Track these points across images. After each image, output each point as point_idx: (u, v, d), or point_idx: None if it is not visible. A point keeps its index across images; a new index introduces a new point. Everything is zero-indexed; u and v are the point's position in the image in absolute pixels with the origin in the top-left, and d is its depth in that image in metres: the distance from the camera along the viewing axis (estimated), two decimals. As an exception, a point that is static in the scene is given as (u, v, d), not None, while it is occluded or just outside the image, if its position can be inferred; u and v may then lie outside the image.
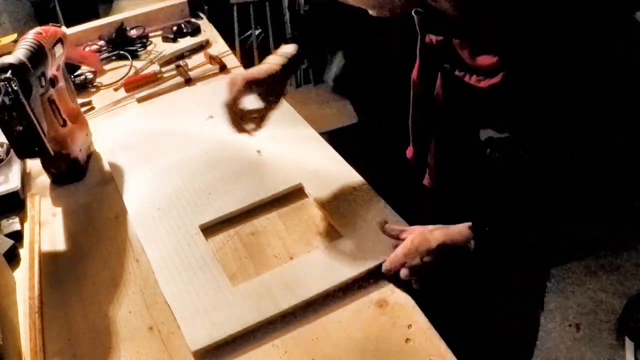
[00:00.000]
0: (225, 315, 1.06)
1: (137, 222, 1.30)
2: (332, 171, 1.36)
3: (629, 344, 2.35)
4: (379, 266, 1.13)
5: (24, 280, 1.20)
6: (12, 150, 1.46)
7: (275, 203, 1.32)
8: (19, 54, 1.22)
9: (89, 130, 1.55)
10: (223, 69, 1.90)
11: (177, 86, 1.83)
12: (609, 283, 2.62)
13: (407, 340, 1.01)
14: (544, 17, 0.96)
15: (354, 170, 1.35)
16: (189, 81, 1.85)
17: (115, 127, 1.65)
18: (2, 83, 1.15)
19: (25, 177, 1.49)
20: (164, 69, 1.89)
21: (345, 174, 1.35)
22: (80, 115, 1.53)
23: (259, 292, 1.10)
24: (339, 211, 1.26)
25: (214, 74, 1.88)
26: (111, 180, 1.45)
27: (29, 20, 2.52)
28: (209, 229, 1.27)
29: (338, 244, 1.19)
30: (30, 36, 1.29)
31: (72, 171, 1.46)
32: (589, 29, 0.95)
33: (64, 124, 1.41)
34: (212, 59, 1.91)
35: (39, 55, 1.27)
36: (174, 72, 1.88)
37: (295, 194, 1.34)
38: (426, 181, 1.29)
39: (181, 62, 1.91)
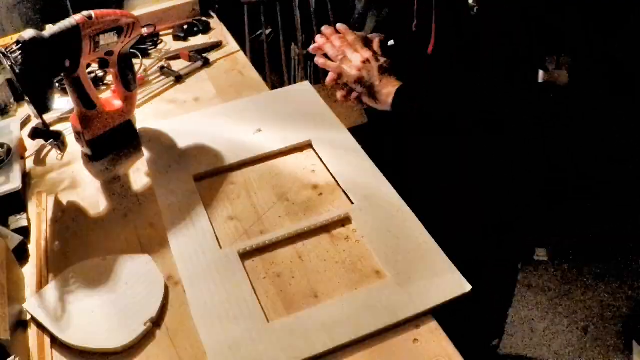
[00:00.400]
0: (257, 352, 1.01)
1: (173, 238, 1.25)
2: (382, 203, 1.27)
3: (637, 348, 2.34)
4: (422, 312, 1.06)
5: (32, 276, 1.20)
6: (12, 151, 1.49)
7: (319, 231, 1.25)
8: (41, 31, 1.29)
9: (124, 122, 1.57)
10: (206, 63, 1.93)
11: (170, 86, 1.84)
12: (617, 287, 2.62)
13: (415, 340, 1.01)
14: (544, 17, 0.96)
15: (407, 206, 1.26)
16: (179, 79, 1.86)
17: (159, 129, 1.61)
18: (15, 55, 1.24)
19: (27, 177, 1.50)
20: (149, 72, 1.90)
21: (396, 208, 1.26)
22: (123, 107, 1.54)
23: (294, 330, 1.04)
24: (385, 248, 1.17)
25: (199, 69, 1.91)
26: (121, 177, 1.46)
27: (40, 17, 2.53)
28: (247, 255, 1.21)
29: (381, 286, 1.10)
30: (76, 18, 1.33)
31: (91, 151, 1.51)
32: (588, 29, 0.95)
33: (91, 107, 1.45)
34: (190, 57, 1.94)
35: (68, 37, 1.31)
36: (158, 74, 1.89)
37: (340, 222, 1.26)
38: (429, 49, 1.34)
39: (164, 63, 1.93)
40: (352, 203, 1.28)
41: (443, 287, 1.08)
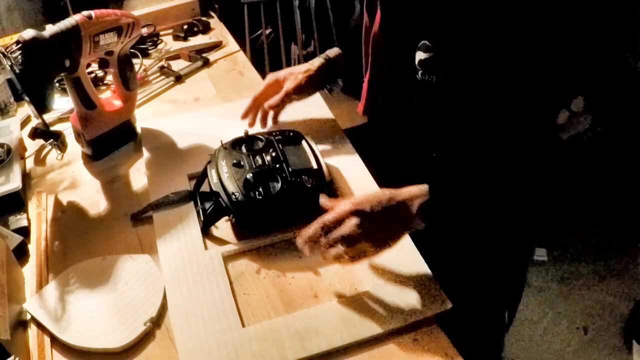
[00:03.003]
0: (228, 358, 1.00)
1: (160, 237, 1.25)
2: None
3: (637, 347, 2.34)
4: (404, 327, 1.04)
5: (32, 276, 1.20)
6: (12, 151, 1.49)
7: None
8: (41, 31, 1.29)
9: (123, 122, 1.57)
10: (206, 63, 1.94)
11: (170, 86, 1.85)
12: (617, 286, 2.61)
13: (415, 340, 1.01)
14: (543, 19, 0.97)
15: None
16: (179, 79, 1.87)
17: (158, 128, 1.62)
18: (15, 55, 1.24)
19: (27, 177, 1.50)
20: (149, 72, 1.91)
21: None
22: (123, 107, 1.55)
23: (268, 337, 1.03)
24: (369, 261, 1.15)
25: (199, 69, 1.92)
26: (121, 178, 1.46)
27: (40, 17, 2.53)
28: (231, 257, 1.21)
29: (362, 296, 1.09)
30: (76, 18, 1.33)
31: (91, 151, 1.52)
32: (587, 30, 0.95)
33: (91, 107, 1.45)
34: (190, 57, 1.95)
35: (67, 37, 1.31)
36: (158, 74, 1.90)
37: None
38: (359, 108, 1.36)
39: (164, 63, 1.93)
40: None
41: (422, 303, 1.06)
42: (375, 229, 1.04)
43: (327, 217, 1.05)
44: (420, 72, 1.14)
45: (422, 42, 1.12)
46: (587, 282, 2.65)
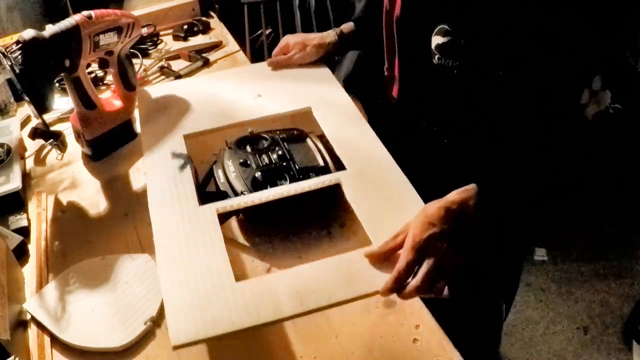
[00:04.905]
0: (219, 313, 0.94)
1: (151, 190, 1.21)
2: (376, 168, 1.21)
3: (637, 348, 2.34)
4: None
5: (32, 276, 1.20)
6: (12, 151, 1.49)
7: (306, 197, 1.19)
8: (40, 31, 1.29)
9: (123, 122, 1.57)
10: (206, 63, 1.94)
11: None
12: (618, 286, 2.61)
13: (415, 340, 1.01)
14: (543, 19, 0.97)
15: (400, 170, 1.20)
16: (179, 78, 1.87)
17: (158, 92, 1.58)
18: (15, 55, 1.25)
19: (27, 177, 1.50)
20: (149, 72, 1.91)
21: (388, 172, 1.20)
22: (123, 107, 1.55)
23: (263, 293, 0.96)
24: (374, 216, 1.10)
25: (199, 69, 1.93)
26: (121, 178, 1.46)
27: (40, 17, 2.53)
28: (226, 214, 1.17)
29: (363, 252, 1.02)
30: (76, 18, 1.34)
31: (91, 151, 1.52)
32: (587, 30, 0.96)
33: (91, 107, 1.45)
34: (190, 57, 1.96)
35: (67, 37, 1.32)
36: (158, 74, 1.90)
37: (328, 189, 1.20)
38: (393, 92, 1.36)
39: (164, 63, 1.94)
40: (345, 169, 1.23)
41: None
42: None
43: (401, 264, 0.93)
44: (437, 57, 1.14)
45: (440, 26, 1.12)
46: (587, 282, 2.65)
